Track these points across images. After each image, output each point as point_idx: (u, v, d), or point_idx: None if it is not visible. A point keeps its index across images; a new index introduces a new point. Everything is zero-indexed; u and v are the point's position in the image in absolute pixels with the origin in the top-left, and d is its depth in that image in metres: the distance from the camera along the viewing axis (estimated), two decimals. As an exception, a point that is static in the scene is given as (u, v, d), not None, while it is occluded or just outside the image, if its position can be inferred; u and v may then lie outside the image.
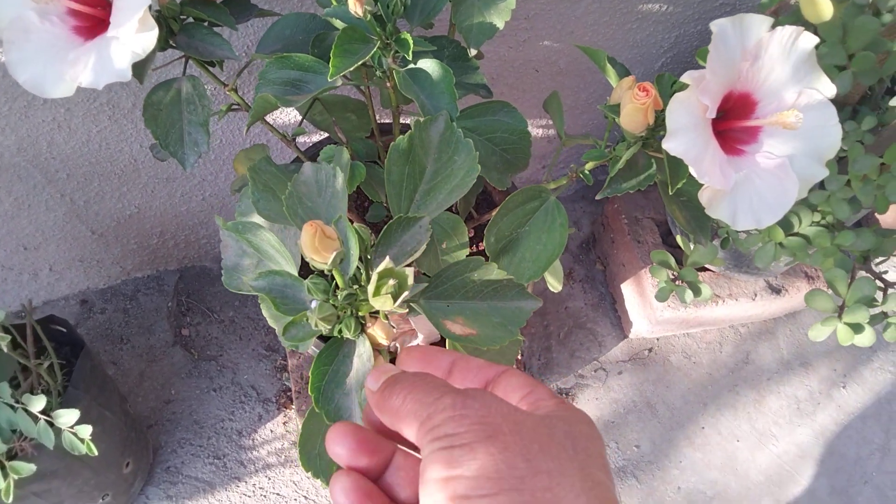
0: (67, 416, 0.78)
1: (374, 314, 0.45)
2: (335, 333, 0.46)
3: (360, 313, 0.46)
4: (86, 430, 0.78)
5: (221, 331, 1.22)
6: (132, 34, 0.57)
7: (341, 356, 0.46)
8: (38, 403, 0.78)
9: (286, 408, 1.18)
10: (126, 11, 0.56)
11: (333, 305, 0.44)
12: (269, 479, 1.14)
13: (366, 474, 0.33)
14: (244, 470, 1.14)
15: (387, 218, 0.84)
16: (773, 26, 0.56)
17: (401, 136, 0.55)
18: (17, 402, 0.79)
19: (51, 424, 0.80)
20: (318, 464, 0.53)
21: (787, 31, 0.56)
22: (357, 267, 0.47)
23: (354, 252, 0.46)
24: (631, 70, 0.84)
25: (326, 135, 0.89)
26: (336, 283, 0.46)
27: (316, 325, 0.43)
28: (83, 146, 0.90)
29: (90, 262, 1.14)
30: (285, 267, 0.54)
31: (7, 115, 0.82)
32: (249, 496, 1.12)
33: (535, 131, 1.21)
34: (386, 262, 0.43)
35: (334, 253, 0.41)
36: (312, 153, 0.91)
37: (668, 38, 1.09)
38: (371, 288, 0.43)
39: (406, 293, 0.42)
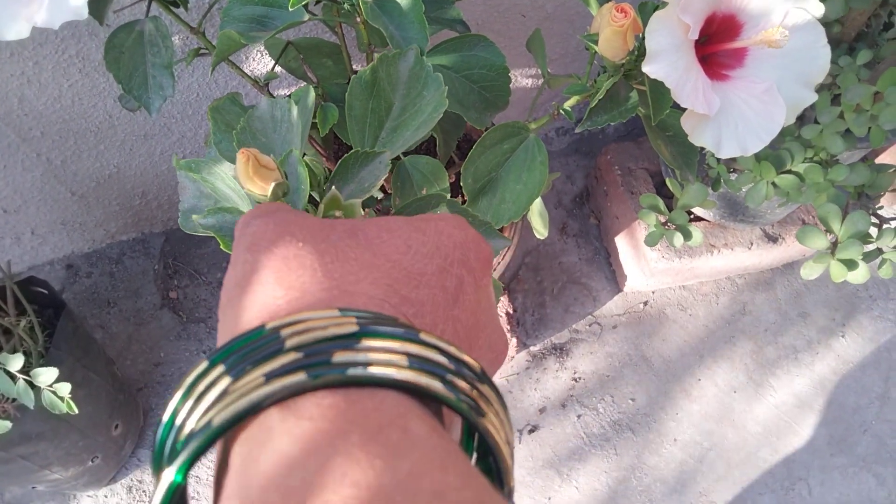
0: (46, 375, 0.77)
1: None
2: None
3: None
4: (65, 388, 0.76)
5: (209, 293, 1.21)
6: (86, -31, 0.54)
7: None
8: (16, 362, 0.77)
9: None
10: (76, -57, 0.53)
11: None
12: (262, 439, 1.13)
13: None
14: (236, 431, 1.13)
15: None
16: (759, -58, 0.53)
17: (363, 69, 0.52)
18: (-4, 362, 0.78)
19: (31, 385, 0.78)
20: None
21: (773, -54, 0.53)
22: (309, 203, 0.45)
23: (304, 187, 0.44)
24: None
25: (304, 83, 0.86)
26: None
27: None
28: (55, 102, 0.88)
29: (73, 225, 1.12)
30: (239, 205, 0.51)
31: (-28, 69, 0.79)
32: (242, 457, 1.12)
33: (525, 80, 1.18)
34: (332, 193, 0.40)
35: (273, 183, 0.39)
36: (290, 102, 0.88)
37: (658, -21, 1.06)
38: None
39: None
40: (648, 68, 0.50)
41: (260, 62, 0.93)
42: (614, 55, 0.55)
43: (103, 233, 1.18)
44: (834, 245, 0.69)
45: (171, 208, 1.18)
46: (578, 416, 1.17)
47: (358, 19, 0.61)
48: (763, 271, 1.36)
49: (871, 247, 0.71)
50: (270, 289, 0.23)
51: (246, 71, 0.94)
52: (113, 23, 0.78)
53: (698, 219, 1.21)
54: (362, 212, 0.40)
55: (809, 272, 0.70)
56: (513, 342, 1.16)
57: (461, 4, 0.76)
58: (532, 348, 1.22)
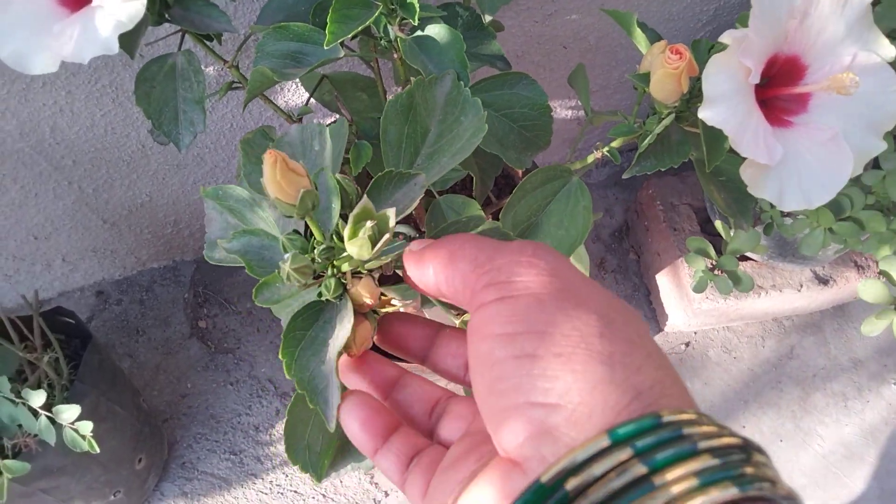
0: (68, 413, 0.75)
1: (358, 274, 0.40)
2: (315, 296, 0.40)
3: (340, 270, 0.41)
4: (86, 427, 0.74)
5: (239, 323, 1.19)
6: (117, 3, 0.53)
7: (321, 321, 0.41)
8: (38, 399, 0.75)
9: (305, 403, 1.14)
10: (109, -23, 0.52)
11: (312, 260, 0.38)
12: (287, 475, 1.10)
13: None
14: (261, 466, 1.10)
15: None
16: (826, -21, 0.49)
17: (399, 92, 0.50)
18: (19, 396, 0.76)
19: (52, 421, 0.76)
20: (307, 456, 0.48)
21: (841, -16, 0.49)
22: (339, 223, 0.42)
23: (335, 205, 0.41)
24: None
25: (339, 117, 0.84)
26: (315, 239, 0.40)
27: (288, 279, 0.38)
28: (87, 131, 0.87)
29: (104, 253, 1.11)
30: (269, 231, 0.49)
31: (6, 98, 0.78)
32: (266, 493, 1.09)
33: (565, 112, 1.15)
34: (363, 203, 0.37)
35: (301, 191, 0.36)
36: (324, 136, 0.86)
37: (707, 11, 1.02)
38: (347, 232, 0.37)
39: (387, 236, 0.37)
40: (706, 114, 0.46)
41: (295, 93, 0.91)
42: (666, 98, 0.52)
43: (134, 260, 1.16)
44: (898, 299, 0.65)
45: (203, 237, 1.16)
46: (615, 462, 1.12)
47: (395, 55, 0.59)
48: (812, 313, 1.30)
49: (939, 302, 0.66)
50: (530, 393, 0.23)
51: (280, 102, 0.92)
52: (145, 54, 0.77)
53: (745, 258, 1.16)
54: (393, 221, 0.37)
55: (871, 328, 0.65)
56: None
57: (500, 35, 0.73)
58: (567, 389, 1.17)
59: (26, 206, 0.95)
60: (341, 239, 0.41)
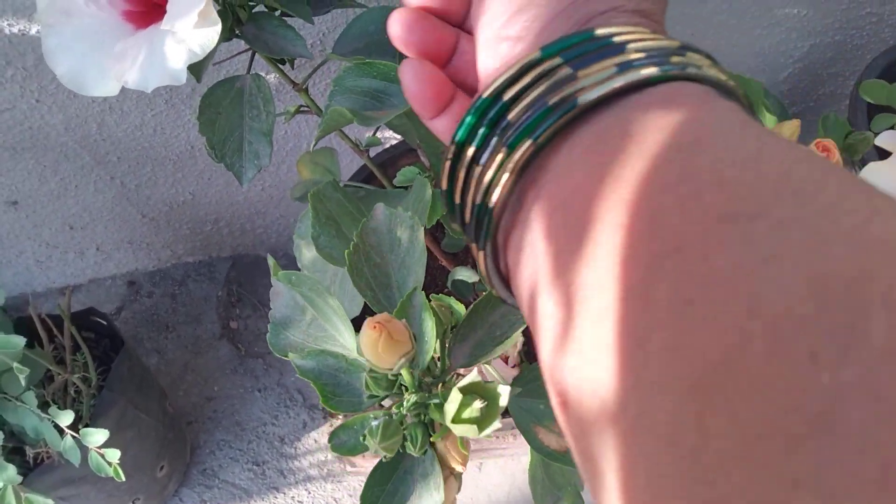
0: (96, 436, 0.71)
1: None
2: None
3: (429, 418, 0.36)
4: (114, 454, 0.70)
5: (271, 327, 1.14)
6: (190, 28, 0.47)
7: (401, 472, 0.36)
8: (65, 418, 0.71)
9: (332, 416, 1.10)
10: (185, 1, 0.46)
11: (400, 421, 0.34)
12: (309, 492, 1.06)
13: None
14: (283, 480, 1.06)
15: (465, 250, 0.73)
16: None
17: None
18: (45, 412, 0.72)
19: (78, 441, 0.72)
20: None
21: None
22: (431, 357, 0.37)
23: (430, 340, 0.35)
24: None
25: (419, 176, 0.79)
26: (402, 379, 0.35)
27: (376, 452, 0.33)
28: (136, 130, 0.82)
29: (139, 245, 1.07)
30: (343, 335, 0.43)
31: (54, 92, 0.74)
32: (287, 509, 1.05)
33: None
34: (472, 376, 0.32)
35: (402, 359, 0.31)
36: (385, 159, 0.81)
37: (801, 48, 0.95)
38: (450, 410, 0.32)
39: (496, 423, 0.32)
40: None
41: (357, 107, 0.85)
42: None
43: (169, 253, 1.12)
44: None
45: (242, 235, 1.12)
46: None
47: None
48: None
49: None
50: (502, 28, 0.24)
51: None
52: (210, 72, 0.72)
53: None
54: (505, 401, 0.32)
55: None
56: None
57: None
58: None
59: (64, 198, 0.91)
60: (431, 374, 0.36)
